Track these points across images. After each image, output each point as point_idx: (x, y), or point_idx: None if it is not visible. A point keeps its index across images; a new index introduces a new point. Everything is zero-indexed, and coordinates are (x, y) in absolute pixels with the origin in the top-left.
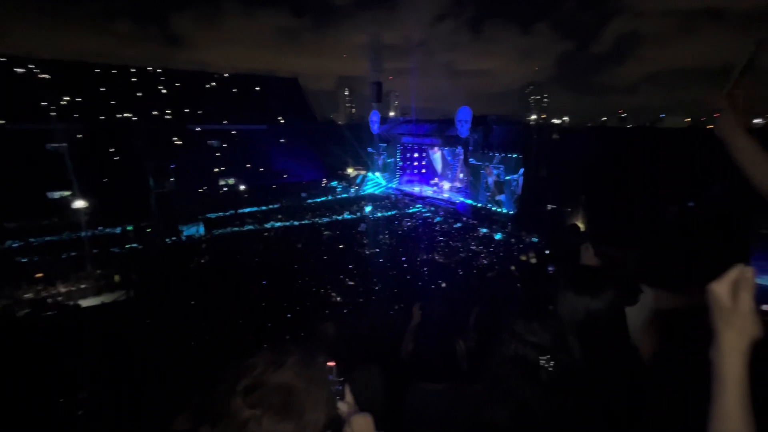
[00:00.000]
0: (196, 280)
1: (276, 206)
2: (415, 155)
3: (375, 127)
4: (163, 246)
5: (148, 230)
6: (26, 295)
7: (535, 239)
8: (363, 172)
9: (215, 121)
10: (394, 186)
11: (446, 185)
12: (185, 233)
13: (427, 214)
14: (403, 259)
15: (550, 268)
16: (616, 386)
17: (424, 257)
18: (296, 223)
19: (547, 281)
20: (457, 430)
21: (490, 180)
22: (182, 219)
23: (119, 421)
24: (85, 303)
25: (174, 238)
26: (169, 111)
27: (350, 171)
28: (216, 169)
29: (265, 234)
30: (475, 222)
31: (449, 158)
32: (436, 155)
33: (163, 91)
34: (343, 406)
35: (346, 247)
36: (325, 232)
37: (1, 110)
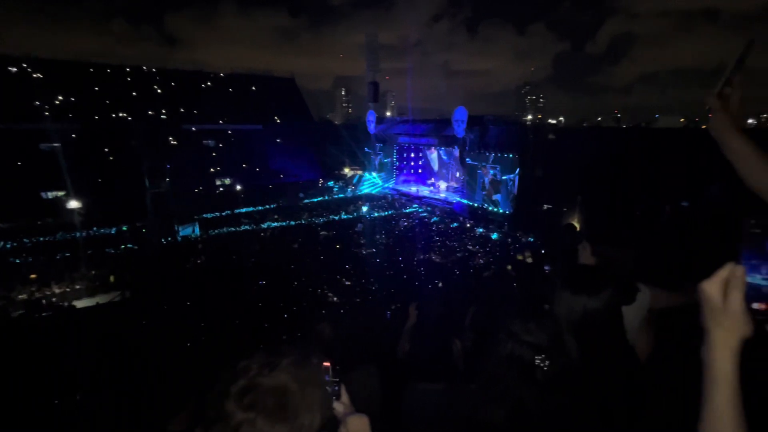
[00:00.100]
0: (192, 280)
1: (272, 206)
2: (412, 155)
3: (372, 127)
4: (158, 246)
5: (143, 230)
6: (20, 296)
7: (531, 239)
8: (360, 172)
9: (211, 121)
10: (390, 186)
11: (443, 185)
12: (181, 233)
13: (424, 214)
14: (400, 258)
15: (546, 268)
16: (612, 386)
17: (421, 257)
18: (293, 223)
19: (544, 281)
20: (453, 430)
21: (487, 180)
22: (178, 219)
23: (115, 423)
24: (79, 304)
25: (170, 239)
26: (164, 111)
27: (347, 171)
28: (212, 169)
29: (262, 234)
30: (471, 222)
31: (446, 158)
32: (433, 155)
33: (159, 91)
34: (339, 407)
35: (343, 247)
36: (322, 232)
37: None
